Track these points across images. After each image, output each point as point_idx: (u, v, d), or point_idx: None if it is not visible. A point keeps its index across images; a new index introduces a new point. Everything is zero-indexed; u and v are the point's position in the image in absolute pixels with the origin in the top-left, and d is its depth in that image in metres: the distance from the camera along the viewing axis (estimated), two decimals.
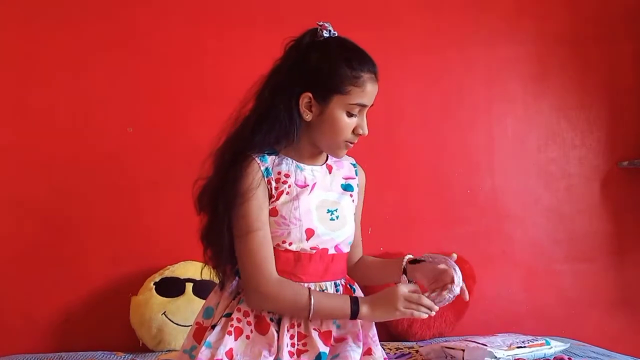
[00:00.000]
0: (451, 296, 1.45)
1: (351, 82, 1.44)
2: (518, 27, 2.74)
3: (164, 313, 2.26)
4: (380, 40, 2.64)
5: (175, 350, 2.21)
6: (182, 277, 2.32)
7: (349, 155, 1.63)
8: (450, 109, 2.70)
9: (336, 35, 1.50)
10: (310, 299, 1.40)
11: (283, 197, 1.45)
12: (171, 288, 2.31)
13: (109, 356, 2.23)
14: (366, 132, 1.49)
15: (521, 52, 2.74)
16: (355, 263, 1.68)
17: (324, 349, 1.40)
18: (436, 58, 2.69)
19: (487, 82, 2.73)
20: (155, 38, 2.51)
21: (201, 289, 2.27)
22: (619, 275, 2.74)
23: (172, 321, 2.25)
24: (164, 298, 2.28)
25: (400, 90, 2.66)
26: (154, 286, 2.31)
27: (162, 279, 2.33)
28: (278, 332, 1.43)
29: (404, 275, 1.55)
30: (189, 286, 2.31)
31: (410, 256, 1.57)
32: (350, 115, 1.46)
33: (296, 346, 1.41)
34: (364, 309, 1.42)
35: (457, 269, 1.47)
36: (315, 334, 1.42)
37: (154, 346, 2.29)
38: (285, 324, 1.43)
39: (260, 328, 1.43)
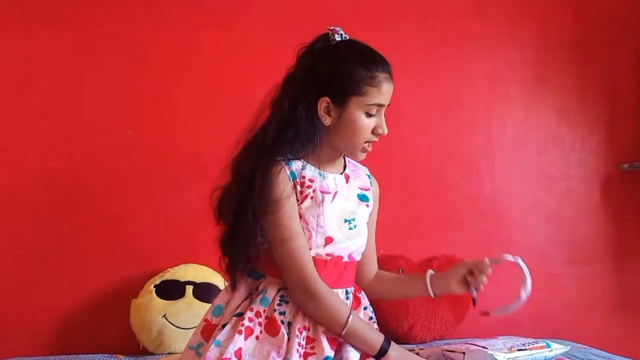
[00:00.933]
0: (525, 295, 1.47)
1: (367, 83, 1.45)
2: (518, 29, 2.74)
3: (164, 316, 2.26)
4: (379, 42, 2.62)
5: (176, 353, 2.21)
6: (182, 280, 2.32)
7: (363, 165, 1.65)
8: (450, 112, 2.70)
9: (348, 38, 1.52)
10: (349, 317, 1.42)
11: (307, 202, 1.46)
12: (171, 291, 2.31)
13: (108, 359, 2.23)
14: (386, 131, 1.51)
15: (521, 54, 2.74)
16: (373, 277, 1.70)
17: (330, 353, 1.40)
18: (436, 60, 2.69)
19: (487, 85, 2.73)
20: (156, 41, 2.51)
21: (201, 291, 2.27)
22: (620, 278, 2.74)
23: (172, 324, 2.25)
24: (164, 301, 2.28)
25: (399, 93, 2.63)
26: (154, 289, 2.31)
27: (162, 282, 2.33)
28: (288, 334, 1.43)
29: (429, 287, 1.61)
30: (189, 289, 2.31)
31: (432, 272, 1.63)
32: (369, 115, 1.48)
33: (304, 349, 1.41)
34: (392, 353, 1.45)
35: (519, 261, 1.51)
36: (324, 338, 1.42)
37: (154, 349, 2.29)
38: (297, 326, 1.43)
39: (271, 329, 1.43)
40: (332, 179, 1.52)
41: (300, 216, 1.45)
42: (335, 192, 1.51)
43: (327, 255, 1.48)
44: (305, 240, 1.45)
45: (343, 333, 1.42)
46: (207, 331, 1.49)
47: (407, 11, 2.67)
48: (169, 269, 2.37)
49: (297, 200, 1.46)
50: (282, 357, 1.39)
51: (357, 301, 1.55)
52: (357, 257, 1.57)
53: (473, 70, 2.71)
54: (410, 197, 2.65)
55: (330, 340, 1.43)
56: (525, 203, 2.72)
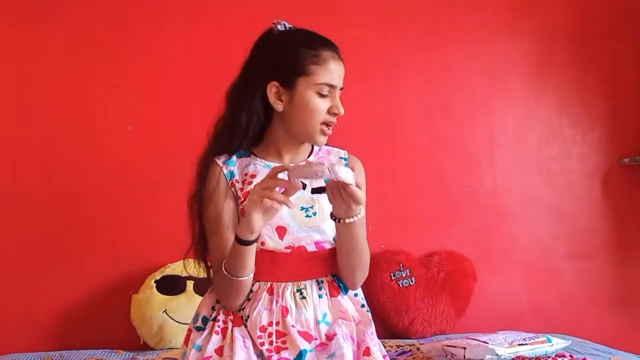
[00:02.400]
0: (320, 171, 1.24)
1: (312, 61, 1.44)
2: (519, 24, 2.73)
3: (164, 311, 2.26)
4: (380, 38, 2.64)
5: (176, 348, 2.21)
6: (182, 275, 2.32)
7: (341, 149, 1.61)
8: (451, 106, 2.69)
9: (292, 28, 1.52)
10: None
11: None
12: (172, 286, 2.31)
13: (109, 354, 2.23)
14: (342, 111, 1.47)
15: (522, 49, 2.73)
16: None
17: (305, 346, 1.39)
18: (436, 55, 2.69)
19: (487, 79, 2.72)
20: (156, 36, 2.51)
21: (202, 286, 2.26)
22: (620, 273, 2.74)
23: (172, 319, 2.25)
24: (165, 296, 2.28)
25: (400, 87, 2.66)
26: (155, 284, 2.31)
27: (162, 277, 2.33)
28: (246, 327, 1.44)
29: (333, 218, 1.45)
30: (190, 284, 2.31)
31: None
32: (321, 96, 1.45)
33: (274, 344, 1.40)
34: (241, 224, 1.36)
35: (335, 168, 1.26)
36: (294, 332, 1.41)
37: (154, 344, 2.29)
38: (261, 322, 1.42)
39: (238, 324, 1.45)
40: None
41: (243, 213, 1.43)
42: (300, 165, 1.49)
43: (287, 247, 1.46)
44: (226, 240, 1.43)
45: (225, 270, 1.39)
46: (189, 339, 1.51)
47: (408, 5, 2.66)
48: (169, 264, 2.37)
49: (239, 198, 1.46)
50: (250, 345, 1.40)
51: (334, 289, 1.51)
52: (329, 245, 1.51)
53: (474, 64, 2.71)
54: (410, 191, 2.64)
55: (302, 334, 1.42)
56: (526, 197, 2.72)
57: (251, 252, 1.37)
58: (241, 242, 1.34)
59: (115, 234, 2.43)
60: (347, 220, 1.38)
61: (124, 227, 2.43)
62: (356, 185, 1.30)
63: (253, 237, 1.34)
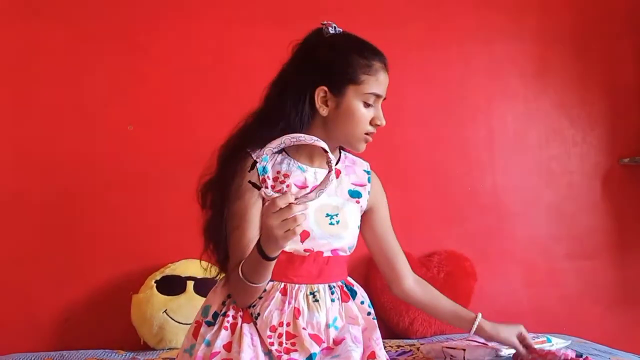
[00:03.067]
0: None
1: (364, 71, 1.45)
2: (519, 24, 2.73)
3: (165, 311, 2.26)
4: (380, 38, 2.62)
5: (177, 349, 2.21)
6: (183, 275, 2.32)
7: (363, 160, 1.64)
8: (451, 107, 2.69)
9: (342, 31, 1.52)
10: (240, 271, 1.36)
11: None
12: (172, 286, 2.31)
13: (110, 354, 2.23)
14: (384, 122, 1.49)
15: (522, 49, 2.73)
16: (414, 284, 1.71)
17: (314, 349, 1.39)
18: (436, 55, 2.69)
19: (487, 79, 2.72)
20: (156, 36, 2.51)
21: (202, 286, 2.27)
22: (620, 272, 2.74)
23: (173, 319, 2.25)
24: (165, 296, 2.28)
25: (400, 88, 2.65)
26: (155, 284, 2.31)
27: (163, 277, 2.33)
28: (256, 325, 1.43)
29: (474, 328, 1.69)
30: (190, 284, 2.31)
31: (481, 316, 1.70)
32: (366, 105, 1.47)
33: (284, 345, 1.40)
34: (269, 244, 1.30)
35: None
36: (305, 334, 1.41)
37: (155, 344, 2.29)
38: (272, 322, 1.42)
39: (247, 320, 1.45)
40: (312, 173, 1.49)
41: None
42: (315, 187, 1.49)
43: (306, 250, 1.46)
44: (251, 237, 1.40)
45: (242, 276, 1.35)
46: (198, 332, 1.49)
47: (408, 5, 2.66)
48: (169, 264, 2.37)
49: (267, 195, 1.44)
50: (258, 344, 1.40)
51: (345, 295, 1.52)
52: (343, 254, 1.53)
53: (474, 64, 2.71)
54: (411, 191, 2.64)
55: (313, 337, 1.42)
56: (526, 197, 2.72)
57: (272, 264, 1.33)
58: (266, 257, 1.29)
59: (115, 234, 2.43)
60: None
61: (124, 227, 2.43)
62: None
63: (278, 254, 1.29)
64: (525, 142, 2.73)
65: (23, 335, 2.38)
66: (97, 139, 2.46)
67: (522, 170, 2.73)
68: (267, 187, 1.22)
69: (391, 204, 2.61)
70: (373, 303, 1.58)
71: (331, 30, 1.50)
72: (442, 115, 2.69)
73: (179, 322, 2.25)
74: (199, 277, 2.30)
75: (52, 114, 2.45)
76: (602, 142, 2.77)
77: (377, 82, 1.46)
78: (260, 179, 1.42)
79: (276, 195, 1.21)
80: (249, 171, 1.40)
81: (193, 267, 2.33)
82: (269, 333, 1.41)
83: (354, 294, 1.55)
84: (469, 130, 2.70)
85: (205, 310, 1.51)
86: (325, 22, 1.51)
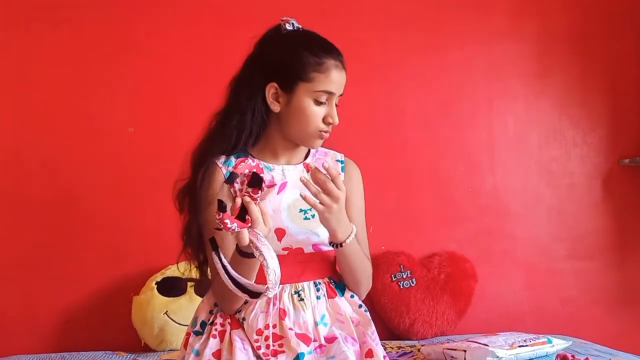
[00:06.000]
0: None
1: (314, 69, 1.44)
2: (519, 24, 2.73)
3: (165, 313, 2.26)
4: (380, 39, 2.64)
5: (177, 350, 2.21)
6: (183, 277, 2.31)
7: (338, 152, 1.62)
8: (451, 108, 2.69)
9: (300, 28, 1.51)
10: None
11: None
12: (173, 287, 2.31)
13: (111, 356, 2.23)
14: (336, 121, 1.47)
15: (522, 49, 2.73)
16: None
17: (303, 349, 1.38)
18: (437, 56, 2.69)
19: (488, 80, 2.72)
20: (156, 37, 2.51)
21: (203, 288, 2.26)
22: (621, 273, 2.74)
23: (174, 321, 2.26)
24: (166, 298, 2.29)
25: (400, 89, 2.66)
26: (156, 286, 2.31)
27: (163, 279, 2.33)
28: (244, 329, 1.44)
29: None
30: (191, 285, 2.31)
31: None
32: (318, 103, 1.45)
33: (271, 347, 1.40)
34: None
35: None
36: (292, 334, 1.41)
37: (156, 346, 2.29)
38: (257, 325, 1.42)
39: (235, 326, 1.46)
40: (279, 170, 1.50)
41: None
42: (284, 183, 1.48)
43: (284, 249, 1.46)
44: (225, 243, 1.39)
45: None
46: (187, 343, 1.50)
47: (408, 7, 2.66)
48: (170, 266, 2.37)
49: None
50: (249, 348, 1.40)
51: (332, 291, 1.51)
52: (327, 248, 1.50)
53: (474, 65, 2.71)
54: (411, 193, 2.64)
55: (300, 337, 1.41)
56: (527, 198, 2.72)
57: (254, 262, 1.33)
58: (243, 254, 1.30)
59: (116, 236, 2.43)
60: (347, 241, 1.40)
61: (124, 228, 2.44)
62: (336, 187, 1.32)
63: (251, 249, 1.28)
64: (525, 143, 2.73)
65: (24, 337, 2.38)
66: (98, 141, 2.46)
67: (523, 171, 2.72)
68: (232, 223, 1.23)
69: (392, 205, 2.63)
70: (374, 304, 1.57)
71: (289, 27, 1.49)
72: (442, 117, 2.68)
73: (179, 324, 2.25)
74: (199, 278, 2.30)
75: (52, 116, 2.45)
76: (603, 142, 2.76)
77: (329, 80, 1.44)
78: (228, 185, 1.43)
79: (237, 230, 1.22)
80: (220, 189, 1.44)
81: (193, 269, 2.33)
82: (255, 337, 1.41)
83: (342, 288, 1.53)
84: (469, 131, 2.70)
85: (194, 321, 1.52)
86: (284, 18, 1.50)
